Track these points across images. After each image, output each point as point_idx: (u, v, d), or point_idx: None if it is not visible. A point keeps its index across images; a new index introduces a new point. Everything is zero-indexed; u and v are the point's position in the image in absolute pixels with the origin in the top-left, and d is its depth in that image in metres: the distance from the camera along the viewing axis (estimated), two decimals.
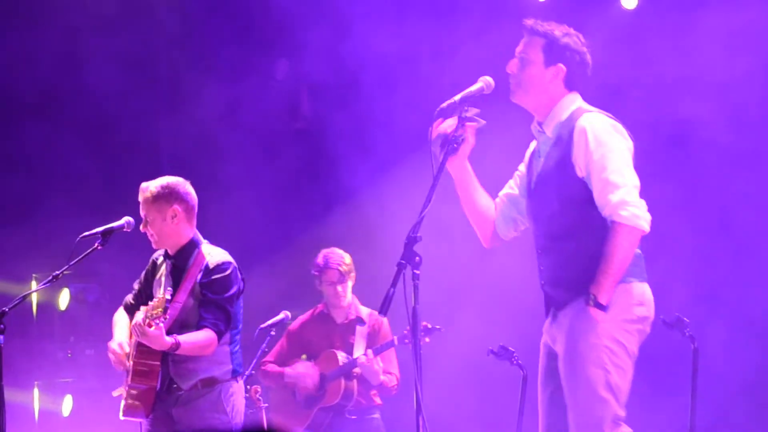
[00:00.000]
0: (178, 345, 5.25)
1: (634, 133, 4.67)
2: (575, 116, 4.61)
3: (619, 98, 6.79)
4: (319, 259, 7.12)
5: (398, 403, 6.93)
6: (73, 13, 8.43)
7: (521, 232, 4.88)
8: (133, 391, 5.37)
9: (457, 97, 4.52)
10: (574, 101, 4.69)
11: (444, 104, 4.51)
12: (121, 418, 5.46)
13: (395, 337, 6.87)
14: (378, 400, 7.09)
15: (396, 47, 8.11)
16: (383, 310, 4.19)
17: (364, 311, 7.14)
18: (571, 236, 4.56)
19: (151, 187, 5.52)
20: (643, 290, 4.55)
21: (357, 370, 6.92)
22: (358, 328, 7.03)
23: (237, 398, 5.53)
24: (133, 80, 8.69)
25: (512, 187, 4.89)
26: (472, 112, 4.59)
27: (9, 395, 5.19)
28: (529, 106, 4.74)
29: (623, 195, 4.42)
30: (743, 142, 7.42)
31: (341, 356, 6.98)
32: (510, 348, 6.72)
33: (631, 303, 4.50)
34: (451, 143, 4.58)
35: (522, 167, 4.90)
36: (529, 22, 4.70)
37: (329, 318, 7.17)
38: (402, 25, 8.18)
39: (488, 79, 4.60)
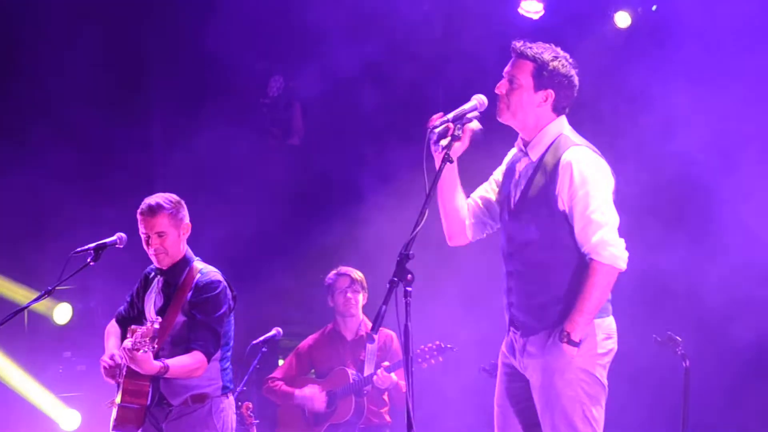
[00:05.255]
0: (166, 368, 5.25)
1: (620, 158, 4.73)
2: (561, 146, 4.61)
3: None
4: (331, 273, 7.21)
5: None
6: None
7: (487, 236, 4.91)
8: (124, 408, 5.38)
9: (450, 116, 4.51)
10: (560, 127, 4.68)
11: (437, 122, 4.49)
12: (111, 431, 5.46)
13: None
14: (388, 418, 7.07)
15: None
16: (375, 328, 4.22)
17: None
18: (548, 267, 4.58)
19: (163, 202, 5.47)
20: (609, 324, 4.61)
21: (368, 388, 6.88)
22: (369, 345, 6.97)
23: (227, 414, 5.52)
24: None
25: (488, 191, 4.88)
26: (475, 125, 4.58)
27: None
28: (515, 126, 4.73)
29: (603, 234, 4.47)
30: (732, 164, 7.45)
31: (351, 373, 6.99)
32: None
33: (601, 338, 4.55)
34: (447, 140, 4.52)
35: (498, 175, 4.89)
36: (519, 44, 4.65)
37: (339, 336, 7.18)
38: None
39: (482, 97, 4.60)
